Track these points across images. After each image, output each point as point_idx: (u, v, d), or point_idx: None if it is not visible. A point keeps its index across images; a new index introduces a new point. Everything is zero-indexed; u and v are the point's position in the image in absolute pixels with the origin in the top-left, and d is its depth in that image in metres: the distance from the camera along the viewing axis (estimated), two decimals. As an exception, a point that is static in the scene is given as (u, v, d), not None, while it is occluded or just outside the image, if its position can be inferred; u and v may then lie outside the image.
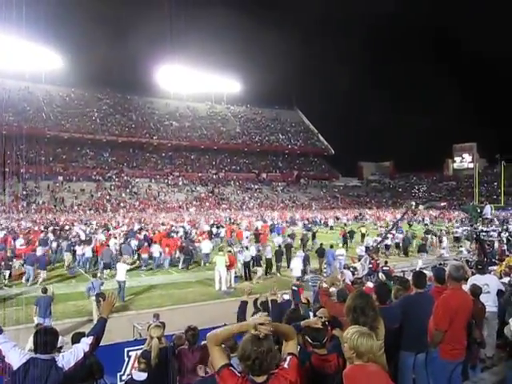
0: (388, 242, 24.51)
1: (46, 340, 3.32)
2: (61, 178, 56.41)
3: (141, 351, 5.98)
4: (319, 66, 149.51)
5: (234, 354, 4.19)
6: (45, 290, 10.80)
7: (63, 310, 12.90)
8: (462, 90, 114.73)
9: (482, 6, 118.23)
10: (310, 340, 3.59)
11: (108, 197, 54.84)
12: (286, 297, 10.25)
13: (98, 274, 16.57)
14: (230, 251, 18.72)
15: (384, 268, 14.82)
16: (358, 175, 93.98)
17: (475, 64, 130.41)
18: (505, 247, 21.44)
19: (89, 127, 66.45)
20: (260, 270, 18.06)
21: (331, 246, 19.97)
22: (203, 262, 20.90)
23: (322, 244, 20.77)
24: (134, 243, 21.21)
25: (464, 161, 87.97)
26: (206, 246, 21.20)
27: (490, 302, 6.58)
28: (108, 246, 19.78)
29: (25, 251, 18.64)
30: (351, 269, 14.22)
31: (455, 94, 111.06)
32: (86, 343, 3.45)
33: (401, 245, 25.10)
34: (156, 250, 20.23)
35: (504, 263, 11.58)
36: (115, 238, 22.47)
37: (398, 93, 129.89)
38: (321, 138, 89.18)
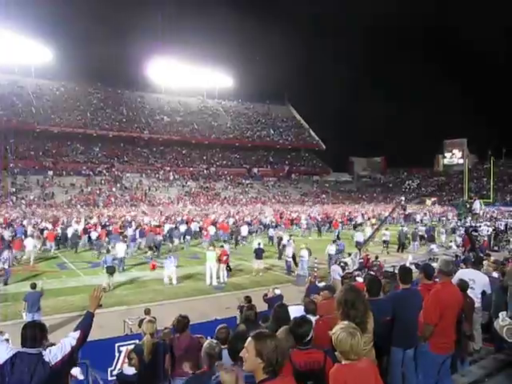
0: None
1: (34, 334, 3.27)
2: (51, 173, 55.74)
3: (132, 346, 5.97)
4: (312, 62, 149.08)
5: (224, 346, 4.19)
6: (34, 286, 10.71)
7: (53, 306, 12.83)
8: (454, 86, 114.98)
9: (476, 4, 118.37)
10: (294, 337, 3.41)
11: (98, 191, 54.47)
12: (278, 291, 10.26)
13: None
14: (222, 246, 18.68)
15: (374, 263, 14.93)
16: (349, 170, 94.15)
17: (467, 61, 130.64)
18: (486, 241, 22.10)
19: (79, 121, 65.69)
20: (259, 263, 17.86)
21: (338, 238, 21.48)
22: (241, 242, 26.65)
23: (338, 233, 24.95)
24: (183, 227, 26.65)
25: (454, 157, 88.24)
26: (244, 229, 27.79)
27: (474, 298, 6.58)
28: (151, 231, 23.57)
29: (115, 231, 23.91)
30: (342, 264, 14.27)
31: (446, 91, 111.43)
32: (73, 338, 3.40)
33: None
34: (211, 230, 26.13)
35: (492, 258, 11.60)
36: (168, 224, 28.19)
37: (390, 90, 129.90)
38: (312, 133, 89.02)
